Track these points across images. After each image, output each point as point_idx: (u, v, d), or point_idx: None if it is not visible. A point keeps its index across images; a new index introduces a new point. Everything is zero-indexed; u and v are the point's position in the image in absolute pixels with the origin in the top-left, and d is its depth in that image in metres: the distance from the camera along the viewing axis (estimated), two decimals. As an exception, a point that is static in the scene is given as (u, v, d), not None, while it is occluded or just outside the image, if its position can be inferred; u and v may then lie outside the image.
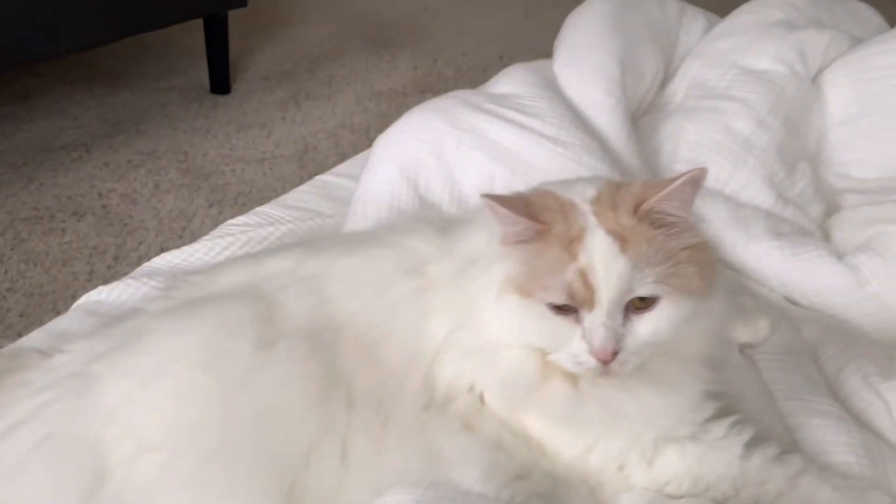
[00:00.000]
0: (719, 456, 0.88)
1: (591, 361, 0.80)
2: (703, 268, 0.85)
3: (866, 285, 1.19)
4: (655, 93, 1.61)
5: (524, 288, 0.83)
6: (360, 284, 0.93)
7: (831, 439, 0.96)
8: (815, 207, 1.40)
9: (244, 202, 2.18)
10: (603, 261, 0.80)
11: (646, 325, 0.82)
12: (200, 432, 0.79)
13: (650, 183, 0.87)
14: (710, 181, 1.37)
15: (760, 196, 1.35)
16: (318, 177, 1.58)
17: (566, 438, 0.88)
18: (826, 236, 1.35)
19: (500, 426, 0.88)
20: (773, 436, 0.95)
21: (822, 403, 1.00)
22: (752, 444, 0.89)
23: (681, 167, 1.39)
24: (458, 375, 0.89)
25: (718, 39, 1.62)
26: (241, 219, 1.37)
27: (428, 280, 0.93)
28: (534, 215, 0.83)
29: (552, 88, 1.41)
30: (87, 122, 2.55)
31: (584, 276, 0.79)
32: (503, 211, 0.82)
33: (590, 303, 0.80)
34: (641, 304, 0.82)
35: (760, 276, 1.26)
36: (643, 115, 1.56)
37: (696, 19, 1.72)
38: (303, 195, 1.47)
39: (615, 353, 0.80)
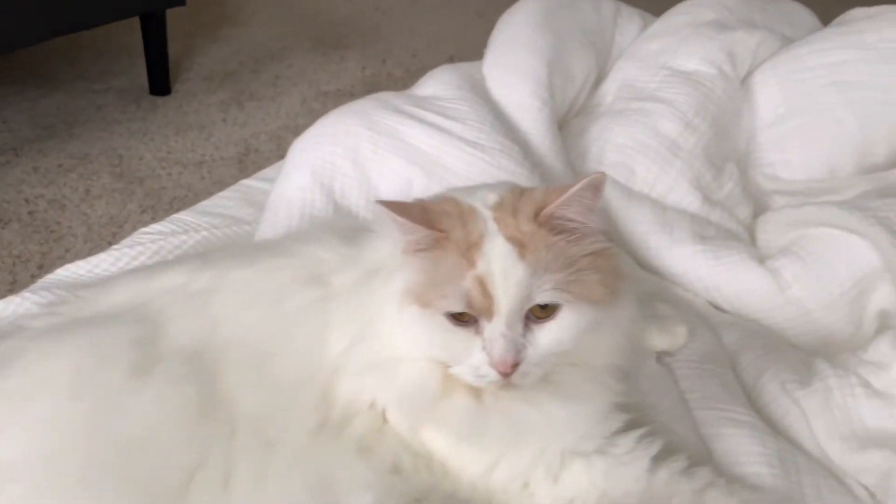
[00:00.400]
0: (626, 470, 0.85)
1: (492, 374, 0.77)
2: (605, 275, 0.82)
3: (787, 290, 1.17)
4: (588, 95, 1.58)
5: (423, 298, 0.80)
6: (253, 297, 0.89)
7: (745, 450, 0.94)
8: (744, 209, 1.38)
9: (179, 207, 2.11)
10: (501, 268, 0.77)
11: (547, 335, 0.79)
12: (64, 461, 0.74)
13: (553, 188, 0.84)
14: (638, 183, 1.35)
15: (687, 198, 1.33)
16: (242, 181, 1.53)
17: (469, 456, 0.84)
18: (753, 239, 1.34)
19: (401, 447, 0.84)
20: (685, 447, 0.92)
21: (738, 412, 0.98)
22: (661, 458, 0.87)
23: (607, 171, 1.36)
24: (357, 391, 0.85)
25: (650, 40, 1.60)
26: (154, 226, 1.32)
27: (330, 290, 0.89)
28: (431, 223, 0.80)
29: (477, 90, 1.38)
30: (16, 125, 2.46)
31: (482, 283, 0.77)
32: (399, 219, 0.79)
33: (489, 312, 0.77)
34: (542, 314, 0.79)
35: (684, 281, 1.24)
36: (574, 117, 1.54)
37: (631, 20, 1.70)
38: (223, 201, 1.42)
39: (516, 365, 0.77)
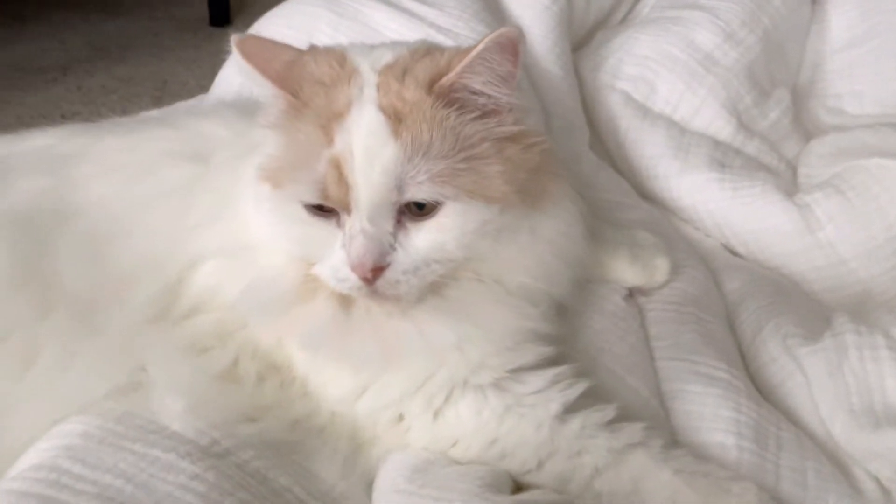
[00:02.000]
0: (528, 414, 0.66)
1: (352, 278, 0.61)
2: (515, 169, 0.64)
3: (818, 231, 0.92)
4: (629, 10, 1.35)
5: (276, 178, 0.64)
6: (115, 167, 0.75)
7: (710, 412, 0.73)
8: (791, 145, 1.12)
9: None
10: (364, 147, 0.59)
11: (424, 237, 0.62)
12: None
13: (463, 50, 0.64)
14: (658, 103, 1.12)
15: (717, 123, 1.09)
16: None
17: (332, 375, 0.67)
18: (795, 179, 1.08)
19: (249, 355, 0.69)
20: (632, 404, 0.72)
21: (714, 367, 0.76)
22: (579, 406, 0.67)
23: (623, 85, 1.14)
24: (205, 283, 0.70)
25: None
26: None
27: (207, 168, 0.74)
28: (286, 81, 0.63)
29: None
30: (72, 46, 2.46)
31: (338, 166, 0.59)
32: (247, 67, 0.63)
33: (345, 204, 0.60)
34: (420, 211, 0.61)
35: (692, 216, 1.01)
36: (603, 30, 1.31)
37: None
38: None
39: (379, 269, 0.60)
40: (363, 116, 0.60)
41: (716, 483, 0.64)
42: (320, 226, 0.63)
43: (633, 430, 0.66)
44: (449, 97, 0.62)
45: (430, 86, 0.62)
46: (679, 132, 1.07)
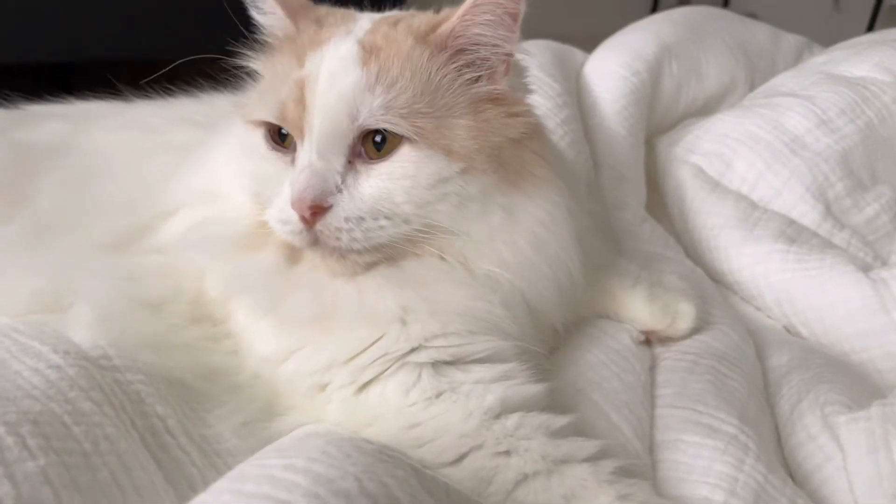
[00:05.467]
0: (459, 401, 0.56)
1: (294, 219, 0.57)
2: (488, 131, 0.60)
3: (894, 310, 0.76)
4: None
5: (247, 111, 0.64)
6: (131, 124, 0.79)
7: (702, 465, 0.59)
8: (890, 246, 0.97)
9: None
10: (329, 71, 0.58)
11: (373, 182, 0.58)
12: None
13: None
14: (735, 181, 1.02)
15: (801, 207, 0.97)
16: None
17: (262, 332, 0.61)
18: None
19: (191, 300, 0.64)
20: (612, 442, 0.60)
21: (718, 419, 0.63)
22: (521, 407, 0.56)
23: (696, 159, 1.05)
24: (176, 231, 0.68)
25: (819, 55, 1.28)
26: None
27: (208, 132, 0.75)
28: (293, 11, 0.64)
29: (564, 64, 1.16)
30: None
31: (301, 87, 0.58)
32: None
33: (300, 128, 0.57)
34: (376, 154, 0.57)
35: (753, 291, 0.88)
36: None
37: (793, 46, 1.41)
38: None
39: (319, 209, 0.57)
40: (340, 47, 0.59)
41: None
42: (275, 161, 0.61)
43: (583, 444, 0.54)
44: (444, 45, 0.59)
45: (426, 35, 0.60)
46: (749, 206, 0.96)
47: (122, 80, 0.83)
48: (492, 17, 0.58)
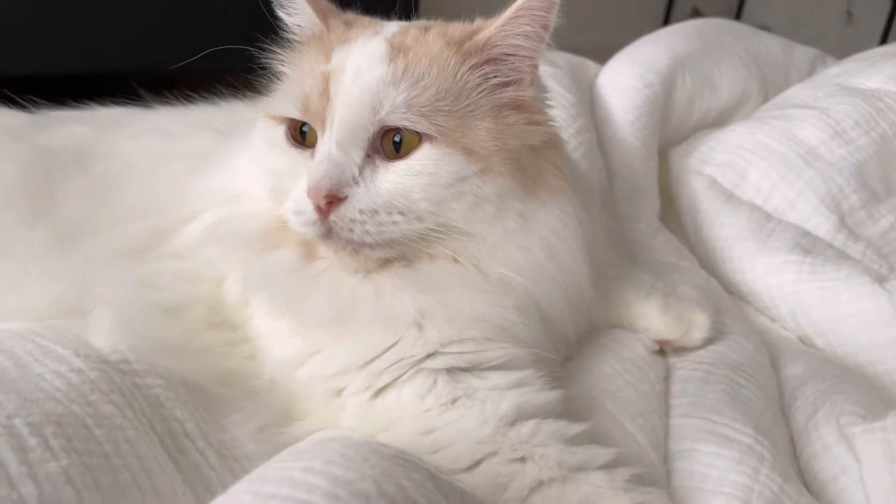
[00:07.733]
0: (475, 407, 0.56)
1: (309, 208, 0.58)
2: (509, 134, 0.60)
3: (910, 321, 0.76)
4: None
5: (271, 108, 0.65)
6: (152, 130, 0.80)
7: (717, 475, 0.59)
8: (906, 259, 0.97)
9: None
10: (355, 65, 0.60)
11: (391, 178, 0.58)
12: None
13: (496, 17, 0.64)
14: (748, 192, 1.03)
15: (815, 219, 0.97)
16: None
17: (281, 334, 0.62)
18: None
19: (211, 305, 0.65)
20: (626, 451, 0.60)
21: (734, 429, 0.63)
22: (538, 413, 0.56)
23: (710, 170, 1.06)
24: (197, 235, 0.69)
25: (833, 67, 1.28)
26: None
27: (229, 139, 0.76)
28: (323, 12, 0.66)
29: (577, 75, 1.17)
30: None
31: (326, 80, 0.60)
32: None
33: (322, 118, 0.58)
34: (396, 154, 0.59)
35: (767, 301, 0.88)
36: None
37: (804, 56, 1.41)
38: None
39: (334, 199, 0.57)
40: (368, 44, 0.61)
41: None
42: (294, 156, 0.62)
43: (598, 452, 0.54)
44: (479, 53, 0.60)
45: (461, 42, 0.61)
46: (764, 217, 0.96)
47: (143, 90, 0.84)
48: (530, 29, 0.59)
